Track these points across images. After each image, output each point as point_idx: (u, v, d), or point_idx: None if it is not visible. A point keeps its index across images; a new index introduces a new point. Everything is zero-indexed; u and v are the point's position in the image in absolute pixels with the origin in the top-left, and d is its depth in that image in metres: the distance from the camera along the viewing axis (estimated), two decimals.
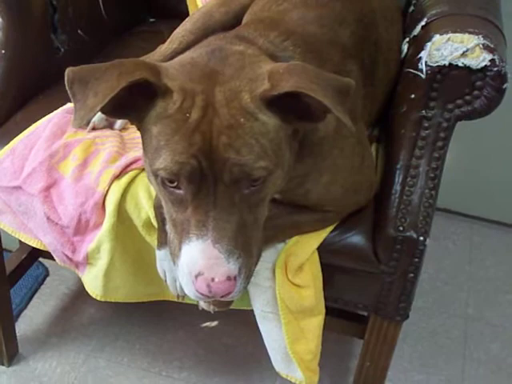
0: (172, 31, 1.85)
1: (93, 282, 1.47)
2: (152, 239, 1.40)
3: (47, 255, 1.60)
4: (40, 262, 2.12)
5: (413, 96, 1.35)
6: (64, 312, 2.05)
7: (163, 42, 1.80)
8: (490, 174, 2.45)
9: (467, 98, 1.32)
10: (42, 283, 2.13)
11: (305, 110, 1.03)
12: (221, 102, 1.01)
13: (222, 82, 1.02)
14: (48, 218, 1.42)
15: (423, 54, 1.32)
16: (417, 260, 1.36)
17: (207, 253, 1.01)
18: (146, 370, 1.90)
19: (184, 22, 1.65)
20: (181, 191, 1.03)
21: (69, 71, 1.04)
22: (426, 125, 1.35)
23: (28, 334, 1.97)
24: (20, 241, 1.61)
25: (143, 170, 1.39)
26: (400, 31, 1.53)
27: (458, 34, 1.30)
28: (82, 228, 1.41)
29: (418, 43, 1.37)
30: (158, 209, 1.33)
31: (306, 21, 1.29)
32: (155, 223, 1.37)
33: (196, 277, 1.02)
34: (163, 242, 1.34)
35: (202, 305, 1.40)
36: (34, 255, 1.91)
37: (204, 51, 1.10)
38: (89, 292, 1.49)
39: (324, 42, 1.29)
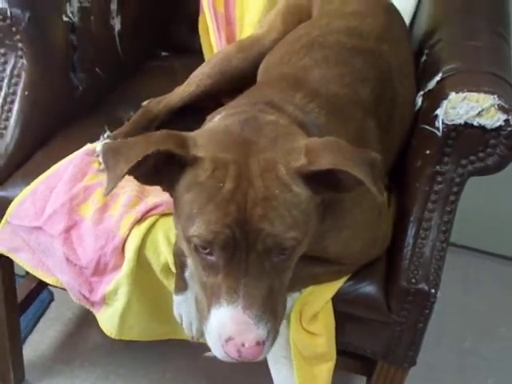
0: (186, 68, 1.89)
1: (108, 321, 1.50)
2: (169, 283, 1.43)
3: None
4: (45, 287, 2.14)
5: (428, 152, 1.39)
6: (69, 338, 2.08)
7: (177, 79, 1.84)
8: (486, 206, 2.48)
9: (480, 155, 1.36)
10: (46, 308, 2.15)
11: (336, 181, 1.07)
12: (255, 173, 1.04)
13: (256, 153, 1.05)
14: (67, 259, 1.44)
15: (439, 112, 1.36)
16: (427, 311, 1.40)
17: (237, 318, 1.04)
18: None
19: (202, 66, 1.69)
20: (213, 257, 1.06)
21: (105, 144, 1.12)
22: (440, 179, 1.39)
23: (34, 360, 1.99)
24: None
25: (163, 215, 1.43)
26: (413, 83, 1.56)
27: (473, 93, 1.34)
28: (100, 270, 1.44)
29: (434, 99, 1.42)
30: (177, 257, 1.36)
31: (329, 80, 1.33)
32: (173, 269, 1.40)
33: (226, 341, 1.05)
34: (182, 288, 1.38)
35: None
36: (43, 282, 1.92)
37: (237, 119, 1.13)
38: (103, 330, 1.52)
39: (346, 102, 1.32)
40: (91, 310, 1.52)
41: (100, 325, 1.52)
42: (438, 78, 1.46)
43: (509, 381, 2.12)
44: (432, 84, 1.47)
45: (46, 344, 2.05)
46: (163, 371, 2.01)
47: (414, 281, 1.38)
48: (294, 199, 1.05)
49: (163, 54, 2.09)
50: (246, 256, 1.04)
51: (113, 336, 1.51)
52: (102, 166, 1.51)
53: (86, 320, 2.11)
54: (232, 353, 1.06)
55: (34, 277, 1.88)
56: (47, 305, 2.16)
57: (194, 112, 1.71)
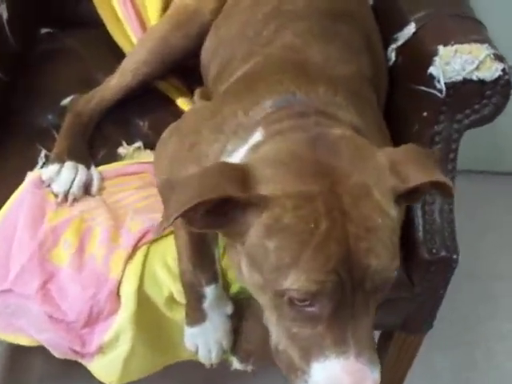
0: (88, 46, 1.64)
1: (105, 369, 1.30)
2: (174, 314, 1.27)
3: None
4: None
5: (425, 114, 1.30)
6: (13, 373, 1.81)
7: (84, 62, 1.58)
8: None
9: (476, 107, 1.29)
10: None
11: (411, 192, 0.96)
12: (349, 203, 0.88)
13: (342, 179, 0.90)
14: (50, 317, 1.22)
15: (434, 71, 1.26)
16: (448, 276, 1.34)
17: (352, 369, 0.90)
18: None
19: (135, 52, 1.45)
20: (313, 308, 0.90)
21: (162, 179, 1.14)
22: (437, 139, 1.31)
23: None
24: None
25: (153, 241, 1.25)
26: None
27: (464, 45, 1.26)
28: (92, 320, 1.24)
29: (416, 54, 1.32)
30: (191, 287, 1.21)
31: (333, 62, 1.16)
32: (180, 299, 1.24)
33: None
34: (199, 319, 1.24)
35: (237, 365, 1.31)
36: None
37: (303, 139, 0.95)
38: (100, 379, 1.32)
39: (357, 81, 1.18)
40: (80, 361, 1.31)
41: (94, 374, 1.32)
42: (412, 28, 1.35)
43: None
44: (405, 36, 1.36)
45: None
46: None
47: (434, 251, 1.31)
48: (392, 224, 0.92)
49: (43, 30, 1.73)
50: (352, 298, 0.90)
51: (114, 383, 1.32)
52: (60, 198, 1.28)
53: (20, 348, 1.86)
54: None
55: None
56: None
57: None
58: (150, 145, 1.41)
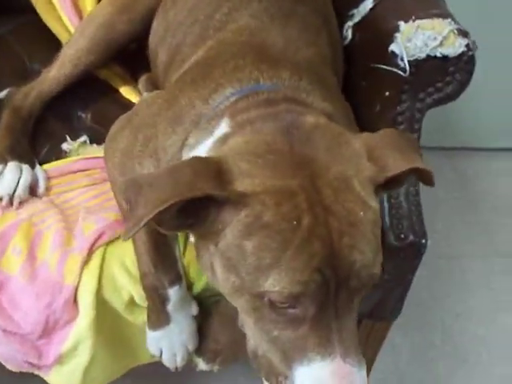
0: (16, 33, 1.54)
1: (65, 379, 1.21)
2: (135, 317, 1.20)
3: None
4: None
5: (387, 94, 1.24)
6: None
7: (15, 52, 1.47)
8: None
9: (439, 85, 1.24)
10: None
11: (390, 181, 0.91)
12: (330, 197, 0.83)
13: (321, 171, 0.84)
14: (4, 330, 1.13)
15: (396, 49, 1.21)
16: (417, 261, 1.30)
17: (339, 371, 0.85)
18: None
19: (74, 39, 1.34)
20: (295, 310, 0.84)
21: (127, 180, 0.91)
22: (400, 120, 1.26)
23: None
24: None
25: (110, 242, 1.16)
26: None
27: (425, 20, 1.21)
28: (48, 330, 1.15)
29: (374, 30, 1.27)
30: (153, 290, 1.14)
31: (294, 45, 1.09)
32: (141, 302, 1.17)
33: None
34: (163, 322, 1.17)
35: (203, 366, 1.25)
36: None
37: (275, 129, 0.88)
38: None
39: (319, 64, 1.12)
40: (37, 373, 1.22)
41: None
42: (368, 4, 1.29)
43: None
44: (362, 12, 1.30)
45: None
46: None
47: (402, 236, 1.26)
48: (373, 216, 0.87)
49: None
50: (335, 297, 0.84)
51: None
52: (5, 202, 1.18)
53: None
54: None
55: None
56: None
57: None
58: (95, 139, 1.33)
